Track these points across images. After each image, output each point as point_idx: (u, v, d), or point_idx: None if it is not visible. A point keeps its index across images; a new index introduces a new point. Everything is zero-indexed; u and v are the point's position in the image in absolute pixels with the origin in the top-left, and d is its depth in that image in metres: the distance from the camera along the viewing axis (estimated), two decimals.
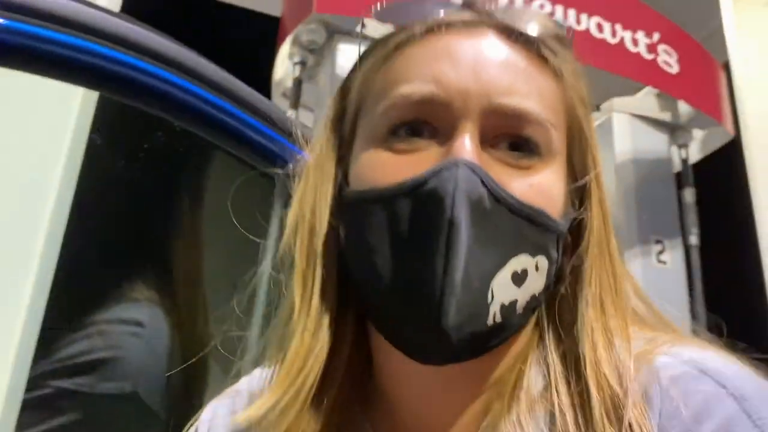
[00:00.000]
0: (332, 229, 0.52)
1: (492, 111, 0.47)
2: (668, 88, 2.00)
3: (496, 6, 0.51)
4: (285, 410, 0.48)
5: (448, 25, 0.50)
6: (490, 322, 0.46)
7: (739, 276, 2.16)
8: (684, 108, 2.14)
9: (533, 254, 0.48)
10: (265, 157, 0.91)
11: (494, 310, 0.46)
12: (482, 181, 0.45)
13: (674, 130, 2.16)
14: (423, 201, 0.45)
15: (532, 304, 0.49)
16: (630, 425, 0.43)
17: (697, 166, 2.21)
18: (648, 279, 2.05)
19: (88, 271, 1.00)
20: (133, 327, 1.00)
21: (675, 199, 2.15)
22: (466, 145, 0.46)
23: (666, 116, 2.14)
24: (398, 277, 0.47)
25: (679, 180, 2.15)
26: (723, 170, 2.22)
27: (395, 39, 0.51)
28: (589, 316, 0.48)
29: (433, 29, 0.50)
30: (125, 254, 1.04)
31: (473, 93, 0.47)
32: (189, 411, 0.62)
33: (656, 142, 2.16)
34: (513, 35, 0.49)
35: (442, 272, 0.44)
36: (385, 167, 0.48)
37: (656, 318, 0.53)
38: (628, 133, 2.15)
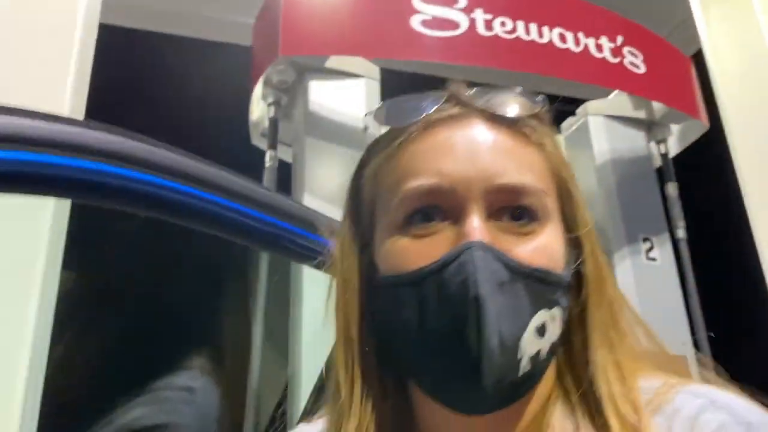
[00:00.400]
0: (367, 313, 0.59)
1: (492, 191, 0.54)
2: (638, 89, 2.01)
3: (477, 95, 0.59)
4: None
5: (440, 121, 0.57)
6: (521, 373, 0.53)
7: (733, 264, 2.16)
8: (657, 104, 2.16)
9: (549, 308, 0.55)
10: (302, 255, 0.96)
11: (524, 362, 0.53)
12: (495, 257, 0.52)
13: (650, 126, 2.18)
14: (449, 282, 0.52)
15: (553, 349, 0.56)
16: None
17: (679, 158, 2.22)
18: (639, 277, 2.07)
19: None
20: (186, 393, 1.08)
21: (659, 195, 2.16)
22: (475, 225, 0.53)
23: (641, 114, 2.16)
24: (437, 349, 0.53)
25: (661, 175, 2.16)
26: (706, 160, 2.23)
27: (397, 138, 0.59)
28: (599, 356, 0.56)
29: (428, 126, 0.57)
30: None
31: (473, 179, 0.55)
32: None
33: (634, 140, 2.17)
34: (497, 120, 0.57)
35: (476, 343, 0.51)
36: (407, 252, 0.55)
37: (658, 346, 0.61)
38: (605, 134, 2.17)
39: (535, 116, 0.59)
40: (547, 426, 0.57)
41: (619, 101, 2.18)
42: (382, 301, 0.58)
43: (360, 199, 0.63)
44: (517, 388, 0.54)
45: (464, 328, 0.51)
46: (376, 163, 0.61)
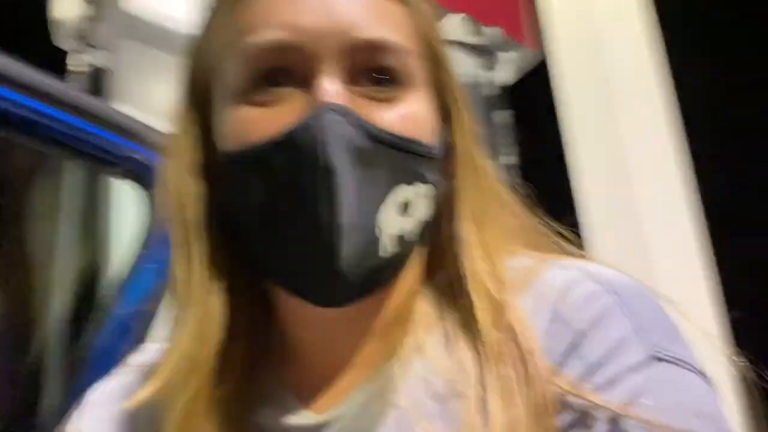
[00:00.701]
0: (207, 195, 0.52)
1: (349, 47, 0.48)
2: (472, 12, 2.01)
3: None
4: (182, 386, 0.48)
5: None
6: (382, 254, 0.48)
7: (554, 192, 2.27)
8: (490, 31, 2.18)
9: (413, 183, 0.49)
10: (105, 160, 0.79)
11: (384, 242, 0.48)
12: (351, 122, 0.46)
13: (482, 53, 2.20)
14: (297, 153, 0.46)
15: (422, 231, 0.51)
16: (512, 328, 0.47)
17: (513, 88, 2.26)
18: None
19: None
20: None
21: (488, 122, 2.20)
22: (329, 87, 0.46)
23: (473, 40, 2.17)
24: (288, 230, 0.47)
25: (491, 103, 2.20)
26: (537, 90, 2.30)
27: None
28: (464, 232, 0.51)
29: None
30: None
31: (325, 33, 0.47)
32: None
33: (465, 67, 2.19)
34: None
35: (328, 218, 0.45)
36: (250, 123, 0.48)
37: (532, 229, 0.56)
38: None
39: None
40: (410, 313, 0.52)
41: (452, 25, 2.17)
42: (225, 181, 0.51)
43: (194, 69, 0.54)
44: (378, 273, 0.49)
45: (315, 203, 0.45)
46: (212, 23, 0.53)
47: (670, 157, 1.90)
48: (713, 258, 1.82)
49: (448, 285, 0.52)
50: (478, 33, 2.16)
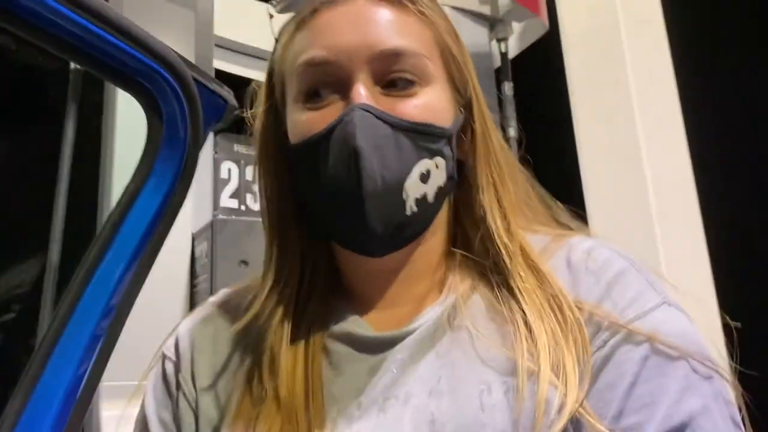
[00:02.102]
0: (286, 178, 0.69)
1: (375, 57, 0.63)
2: None
3: None
4: (273, 313, 0.65)
5: (327, 4, 0.65)
6: (408, 212, 0.63)
7: (556, 166, 2.25)
8: (502, 1, 2.14)
9: (431, 157, 0.64)
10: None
11: (410, 203, 0.62)
12: (375, 115, 0.61)
13: (494, 23, 2.16)
14: (335, 141, 0.61)
15: (441, 193, 0.65)
16: (535, 267, 0.63)
17: (515, 60, 2.23)
18: None
19: None
20: None
21: (495, 93, 2.17)
22: (360, 91, 0.62)
23: (485, 9, 2.13)
24: (335, 200, 0.63)
25: (498, 74, 2.17)
26: (541, 63, 2.27)
27: (294, 22, 0.68)
28: (484, 198, 0.65)
29: (316, 10, 0.65)
30: None
31: (356, 49, 0.63)
32: None
33: (477, 36, 2.15)
34: None
35: (357, 190, 0.60)
36: (305, 123, 0.65)
37: (539, 200, 0.71)
38: None
39: None
40: (443, 264, 0.68)
41: None
42: (295, 166, 0.67)
43: (273, 80, 0.72)
44: (405, 228, 0.63)
45: (348, 178, 0.60)
46: (279, 47, 0.70)
47: (682, 139, 1.87)
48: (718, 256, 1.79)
49: (475, 243, 0.66)
50: (492, 2, 2.12)
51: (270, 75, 0.73)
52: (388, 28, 0.64)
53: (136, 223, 0.62)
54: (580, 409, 0.54)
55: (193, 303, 1.54)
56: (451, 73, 0.68)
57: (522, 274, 0.62)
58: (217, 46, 1.92)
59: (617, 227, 1.84)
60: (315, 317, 0.68)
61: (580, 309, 0.59)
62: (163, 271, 1.49)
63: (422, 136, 0.63)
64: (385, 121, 0.62)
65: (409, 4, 0.66)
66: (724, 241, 1.84)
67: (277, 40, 0.72)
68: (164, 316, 1.50)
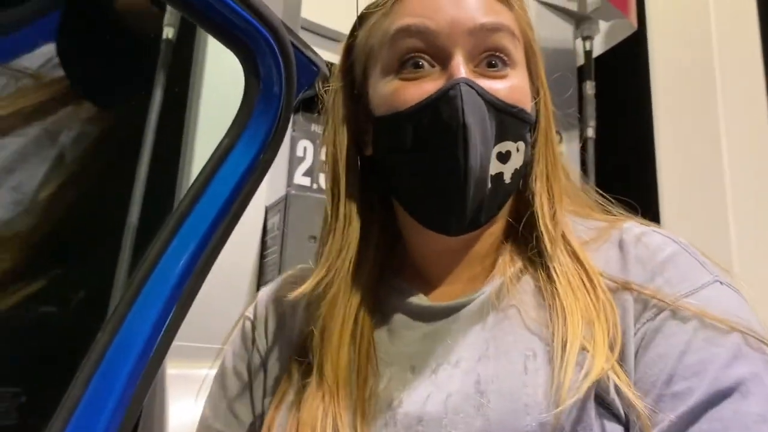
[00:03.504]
0: (354, 151, 0.70)
1: (476, 30, 0.64)
2: None
3: None
4: (330, 284, 0.67)
5: None
6: (486, 190, 0.64)
7: (632, 171, 2.20)
8: None
9: (514, 140, 0.65)
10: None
11: (488, 181, 0.64)
12: (477, 92, 0.62)
13: (580, 20, 2.13)
14: (441, 114, 0.61)
15: (516, 176, 0.67)
16: (573, 253, 0.65)
17: (599, 59, 2.19)
18: None
19: None
20: None
21: (576, 91, 2.14)
22: (461, 66, 0.63)
23: (573, 6, 2.10)
24: (430, 173, 0.63)
25: (581, 73, 2.13)
26: (624, 64, 2.22)
27: (389, 2, 0.68)
28: (537, 186, 0.67)
29: None
30: None
31: (457, 20, 0.63)
32: None
33: (562, 33, 2.12)
34: None
35: (464, 162, 0.60)
36: (401, 93, 0.64)
37: (585, 192, 0.74)
38: (535, 20, 2.10)
39: None
40: (500, 247, 0.70)
41: None
42: (381, 138, 0.68)
43: (353, 56, 0.72)
44: (483, 206, 0.64)
45: (455, 151, 0.60)
46: (370, 22, 0.70)
47: (767, 151, 1.81)
48: None
49: (525, 228, 0.68)
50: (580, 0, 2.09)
51: (349, 50, 0.73)
52: (486, 7, 0.66)
53: (228, 176, 0.64)
54: (610, 372, 0.56)
55: (261, 273, 1.58)
56: (529, 64, 0.70)
57: (562, 258, 0.64)
58: (302, 29, 1.96)
59: (691, 234, 1.79)
60: (369, 286, 0.70)
61: (629, 289, 0.61)
62: (236, 241, 1.54)
63: (511, 119, 0.65)
64: (485, 99, 0.63)
65: None
66: None
67: (361, 17, 0.72)
68: (233, 284, 1.55)
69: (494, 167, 0.64)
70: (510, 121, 0.65)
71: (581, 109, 2.11)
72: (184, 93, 1.70)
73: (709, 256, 0.66)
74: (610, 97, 2.14)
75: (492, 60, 0.65)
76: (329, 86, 0.74)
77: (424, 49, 0.65)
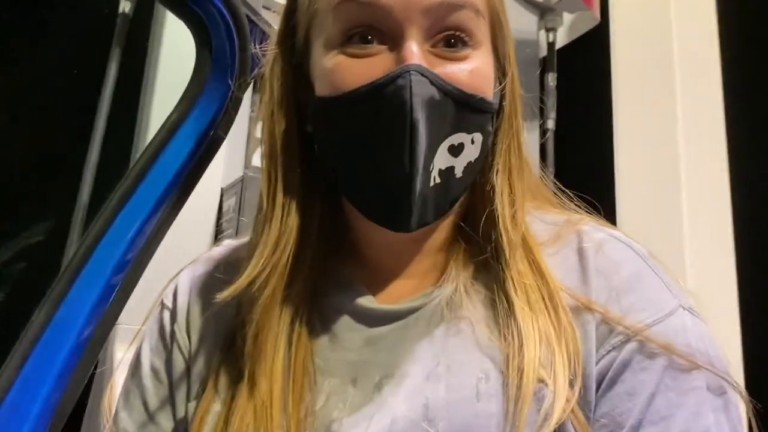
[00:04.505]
0: (294, 128, 0.62)
1: (434, 7, 0.56)
2: None
3: None
4: (265, 283, 0.60)
5: None
6: (431, 183, 0.57)
7: (590, 163, 2.22)
8: None
9: (470, 132, 0.59)
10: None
11: (434, 175, 0.57)
12: (431, 81, 0.55)
13: (545, 11, 2.13)
14: (386, 104, 0.55)
15: (469, 169, 0.60)
16: (534, 260, 0.60)
17: (561, 51, 2.20)
18: None
19: None
20: None
21: (537, 83, 2.14)
22: (414, 50, 0.55)
23: None
24: (373, 167, 0.57)
25: (544, 64, 2.14)
26: (586, 57, 2.23)
27: None
28: (498, 181, 0.61)
29: None
30: None
31: None
32: None
33: (526, 24, 2.12)
34: None
35: (408, 163, 0.55)
36: (345, 71, 0.57)
37: (543, 184, 0.69)
38: None
39: None
40: (453, 243, 0.64)
41: None
42: (320, 120, 0.61)
43: (295, 19, 0.64)
44: (428, 201, 0.58)
45: (399, 149, 0.55)
46: None
47: (722, 148, 1.84)
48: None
49: (485, 222, 0.62)
50: None
51: (291, 12, 0.64)
52: None
53: (176, 153, 0.62)
54: (570, 414, 0.53)
55: None
56: (495, 42, 0.62)
57: (521, 267, 0.60)
58: (264, 8, 1.92)
59: (645, 226, 1.82)
60: (309, 282, 0.64)
61: (591, 310, 0.57)
62: (190, 222, 1.50)
63: (469, 109, 0.58)
64: (438, 88, 0.56)
65: None
66: (752, 239, 1.80)
67: None
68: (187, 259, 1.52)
69: (444, 161, 0.57)
70: (467, 112, 0.58)
71: (542, 101, 2.11)
72: (141, 68, 1.66)
73: (666, 267, 0.63)
74: (571, 90, 2.15)
75: (451, 39, 0.58)
76: (266, 49, 0.66)
77: (373, 24, 0.57)
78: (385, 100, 0.55)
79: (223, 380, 0.62)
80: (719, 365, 0.58)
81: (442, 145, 0.57)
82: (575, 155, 2.13)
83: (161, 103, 1.54)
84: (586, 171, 2.17)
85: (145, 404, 0.67)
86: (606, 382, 0.56)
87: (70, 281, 0.63)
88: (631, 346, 0.56)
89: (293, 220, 0.61)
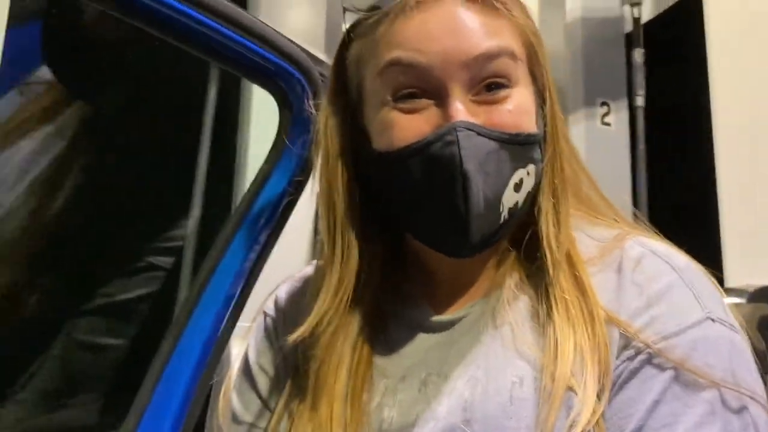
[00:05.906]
0: (351, 178, 0.67)
1: (471, 62, 0.60)
2: None
3: None
4: (329, 321, 0.66)
5: (417, 4, 0.62)
6: (501, 221, 0.63)
7: (685, 139, 2.16)
8: None
9: (525, 166, 0.63)
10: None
11: (504, 214, 0.62)
12: (477, 133, 0.59)
13: None
14: (437, 160, 0.59)
15: (529, 197, 0.65)
16: (577, 277, 0.63)
17: (648, 25, 2.15)
18: (591, 141, 2.06)
19: None
20: None
21: (624, 60, 2.11)
22: (459, 107, 0.60)
23: None
24: (434, 211, 0.62)
25: (629, 40, 2.10)
26: (676, 30, 2.17)
27: (376, 22, 0.64)
28: (544, 203, 0.65)
29: (405, 9, 0.62)
30: None
31: (451, 54, 0.60)
32: None
33: (607, 1, 2.09)
34: (468, 0, 0.62)
35: (464, 211, 0.59)
36: (397, 127, 0.62)
37: (604, 203, 0.71)
38: None
39: None
40: (506, 262, 0.68)
41: None
42: (379, 171, 0.65)
43: (346, 77, 0.68)
44: (497, 234, 0.64)
45: (454, 199, 0.59)
46: (357, 47, 0.66)
47: None
48: None
49: (533, 243, 0.66)
50: None
51: (341, 70, 0.69)
52: (481, 31, 0.62)
53: (268, 198, 0.72)
54: (595, 425, 0.56)
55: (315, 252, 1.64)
56: (534, 75, 0.66)
57: (563, 284, 0.62)
58: (346, 9, 1.98)
59: (749, 212, 1.75)
60: (370, 311, 0.68)
61: (616, 323, 0.59)
62: (288, 230, 1.61)
63: (519, 147, 0.62)
64: (485, 136, 0.60)
65: (499, 7, 0.63)
66: None
67: (350, 35, 0.68)
68: (288, 264, 1.63)
69: (511, 199, 0.63)
70: (518, 149, 0.62)
71: (630, 78, 2.08)
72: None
73: (708, 277, 0.63)
74: (660, 65, 2.10)
75: (492, 85, 0.62)
76: (319, 104, 0.71)
77: (417, 84, 0.61)
78: (436, 155, 0.60)
79: (289, 401, 0.69)
80: (744, 380, 0.57)
81: (508, 186, 0.62)
82: (670, 138, 2.09)
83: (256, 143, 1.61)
84: (680, 151, 2.11)
85: (258, 395, 0.74)
86: (615, 389, 0.58)
87: (189, 311, 0.74)
88: (643, 356, 0.58)
89: (352, 265, 0.66)
